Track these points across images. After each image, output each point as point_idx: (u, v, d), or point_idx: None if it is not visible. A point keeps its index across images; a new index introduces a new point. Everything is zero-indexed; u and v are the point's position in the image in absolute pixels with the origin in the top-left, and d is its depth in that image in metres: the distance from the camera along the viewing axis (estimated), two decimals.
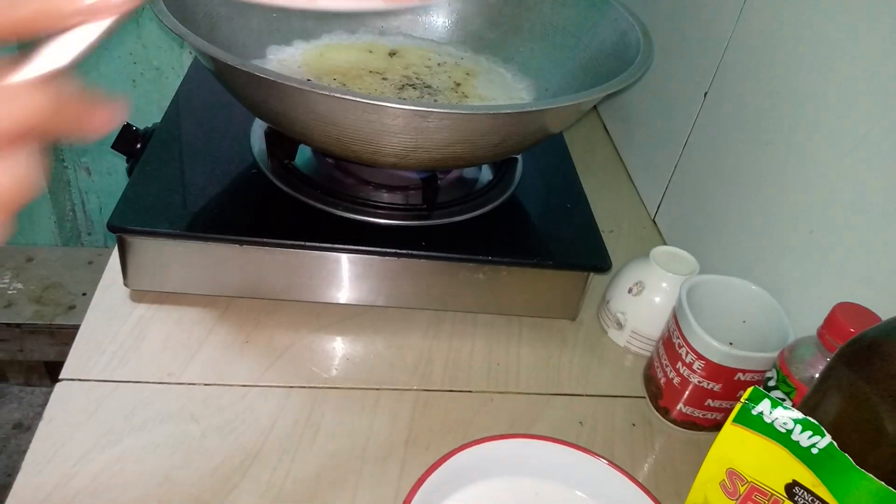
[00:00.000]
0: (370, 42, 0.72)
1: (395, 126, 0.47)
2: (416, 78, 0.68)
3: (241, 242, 0.54)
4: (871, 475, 0.32)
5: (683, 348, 0.51)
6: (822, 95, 0.52)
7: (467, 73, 0.70)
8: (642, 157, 0.82)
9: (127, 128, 0.63)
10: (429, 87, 0.67)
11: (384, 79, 0.66)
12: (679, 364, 0.52)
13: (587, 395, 0.56)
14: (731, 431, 0.37)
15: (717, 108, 0.66)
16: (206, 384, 0.51)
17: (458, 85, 0.68)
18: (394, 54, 0.71)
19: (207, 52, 0.46)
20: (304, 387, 0.52)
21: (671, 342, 0.53)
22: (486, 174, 0.66)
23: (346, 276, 0.56)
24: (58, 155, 1.33)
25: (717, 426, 0.51)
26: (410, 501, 0.40)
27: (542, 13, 0.71)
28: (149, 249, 0.54)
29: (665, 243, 0.73)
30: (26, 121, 0.22)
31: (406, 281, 0.57)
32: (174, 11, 0.51)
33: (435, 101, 0.65)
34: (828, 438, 0.34)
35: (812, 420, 0.34)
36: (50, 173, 1.32)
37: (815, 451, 0.34)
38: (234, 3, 0.64)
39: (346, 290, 0.57)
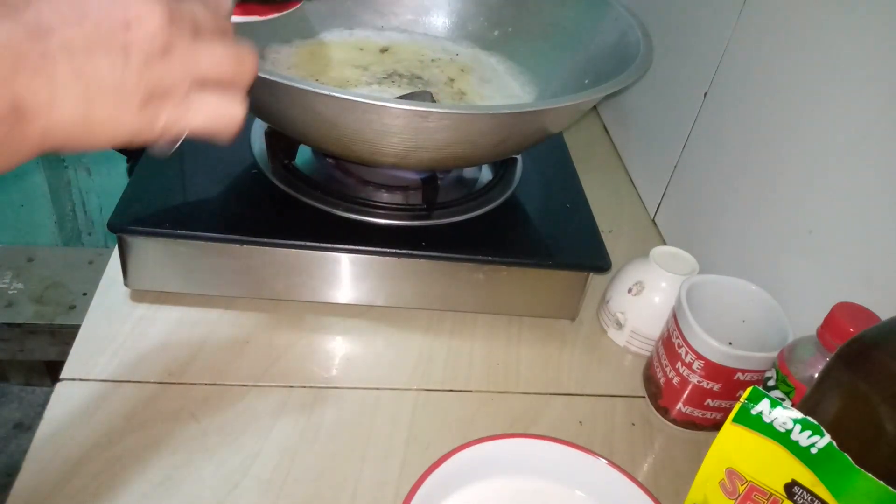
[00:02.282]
0: (362, 40, 0.72)
1: (395, 126, 0.47)
2: (406, 70, 0.68)
3: (241, 242, 0.54)
4: (870, 475, 0.32)
5: (683, 348, 0.51)
6: (822, 95, 0.52)
7: (462, 70, 0.70)
8: (642, 157, 0.82)
9: None
10: (419, 77, 0.66)
11: (365, 70, 0.66)
12: (679, 364, 0.52)
13: (587, 395, 0.56)
14: (730, 431, 0.37)
15: (717, 108, 0.66)
16: (206, 384, 0.51)
17: (452, 80, 0.68)
18: (385, 51, 0.71)
19: None
20: (304, 387, 0.52)
21: (671, 342, 0.53)
22: (486, 174, 0.66)
23: (346, 276, 0.57)
24: (58, 155, 1.33)
25: (716, 426, 0.51)
26: (410, 501, 0.40)
27: (542, 13, 0.71)
28: (149, 249, 0.54)
29: (665, 243, 0.73)
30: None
31: (406, 281, 0.57)
32: None
33: (425, 90, 0.65)
34: (827, 438, 0.34)
35: (811, 420, 0.34)
36: (50, 174, 1.32)
37: (814, 450, 0.34)
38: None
39: (346, 290, 0.57)
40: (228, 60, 0.33)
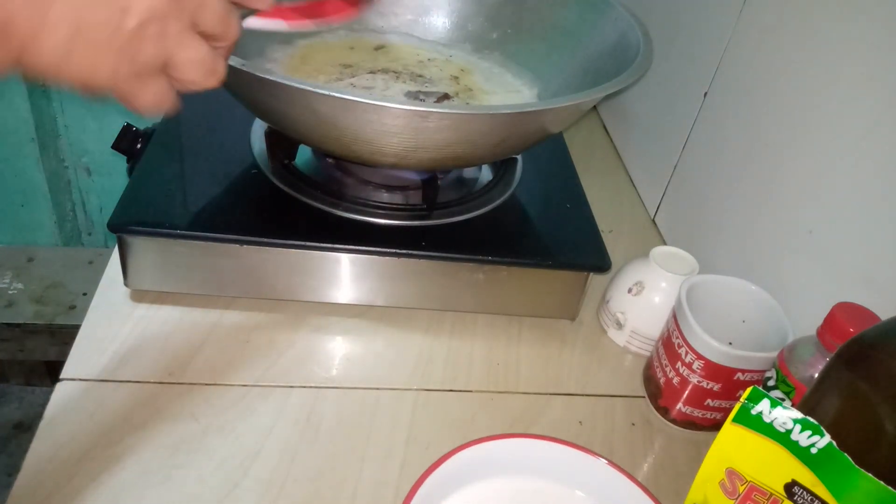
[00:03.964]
0: (355, 39, 0.72)
1: (395, 126, 0.47)
2: (405, 68, 0.68)
3: (241, 242, 0.54)
4: (870, 475, 0.32)
5: (683, 348, 0.51)
6: (822, 95, 0.52)
7: (462, 70, 0.70)
8: (642, 157, 0.82)
9: (127, 128, 0.63)
10: (421, 76, 0.66)
11: (348, 66, 0.66)
12: (678, 364, 0.52)
13: (587, 395, 0.56)
14: (730, 431, 0.37)
15: (717, 108, 0.66)
16: (206, 384, 0.51)
17: (456, 78, 0.68)
18: (380, 48, 0.71)
19: None
20: (304, 387, 0.52)
21: (671, 342, 0.53)
22: (486, 174, 0.66)
23: (346, 276, 0.57)
24: (58, 155, 1.33)
25: (716, 426, 0.51)
26: (410, 501, 0.40)
27: (542, 13, 0.71)
28: (149, 249, 0.54)
29: (665, 243, 0.73)
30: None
31: (406, 281, 0.57)
32: None
33: (438, 90, 0.65)
34: (827, 438, 0.34)
35: (811, 420, 0.34)
36: (50, 174, 1.32)
37: (814, 450, 0.34)
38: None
39: (346, 290, 0.57)
40: (203, 60, 0.33)
